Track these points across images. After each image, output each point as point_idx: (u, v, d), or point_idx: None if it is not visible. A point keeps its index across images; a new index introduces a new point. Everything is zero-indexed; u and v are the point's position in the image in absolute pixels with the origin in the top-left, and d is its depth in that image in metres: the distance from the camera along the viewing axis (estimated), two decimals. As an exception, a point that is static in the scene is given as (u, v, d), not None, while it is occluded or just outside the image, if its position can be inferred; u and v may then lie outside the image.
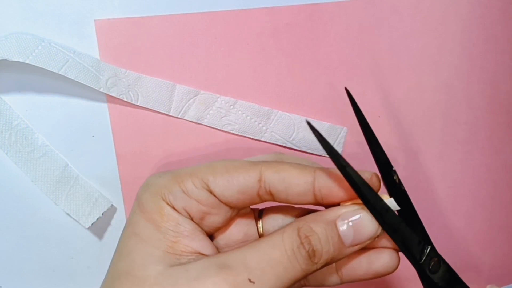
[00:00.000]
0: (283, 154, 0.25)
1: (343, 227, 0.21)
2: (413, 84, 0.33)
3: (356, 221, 0.21)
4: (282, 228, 0.22)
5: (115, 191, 0.31)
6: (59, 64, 0.28)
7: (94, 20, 0.29)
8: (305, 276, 0.21)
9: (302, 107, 0.31)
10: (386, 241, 0.23)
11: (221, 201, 0.23)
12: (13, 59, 0.27)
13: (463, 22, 0.32)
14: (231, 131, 0.31)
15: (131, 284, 0.21)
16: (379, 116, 0.33)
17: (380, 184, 0.22)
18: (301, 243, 0.21)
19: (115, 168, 0.30)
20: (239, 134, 0.31)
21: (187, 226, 0.22)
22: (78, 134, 0.30)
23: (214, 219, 0.23)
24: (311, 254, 0.21)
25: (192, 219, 0.23)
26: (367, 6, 0.31)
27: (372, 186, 0.21)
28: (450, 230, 0.36)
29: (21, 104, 0.29)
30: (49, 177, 0.29)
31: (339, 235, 0.21)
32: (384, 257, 0.23)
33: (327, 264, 0.21)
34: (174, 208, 0.22)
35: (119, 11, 0.29)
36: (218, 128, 0.31)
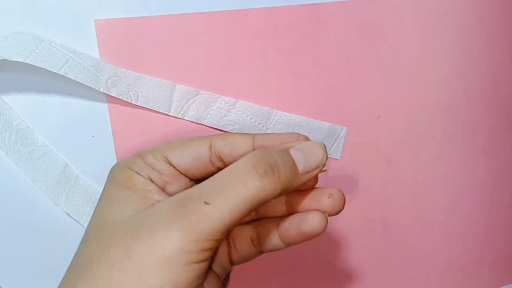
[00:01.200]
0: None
1: (295, 153, 0.24)
2: (413, 84, 0.33)
3: (306, 148, 0.24)
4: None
5: (115, 191, 0.31)
6: (59, 64, 0.28)
7: (94, 20, 0.29)
8: (264, 200, 0.22)
9: (302, 107, 0.31)
10: (314, 203, 0.25)
11: (179, 172, 0.26)
12: (13, 59, 0.27)
13: (463, 22, 0.32)
14: (231, 131, 0.31)
15: (106, 230, 0.23)
16: (379, 116, 0.33)
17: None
18: (258, 162, 0.22)
19: (115, 168, 0.30)
20: (239, 134, 0.31)
21: (154, 187, 0.25)
22: (78, 134, 0.30)
23: (175, 188, 0.26)
24: (269, 171, 0.22)
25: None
26: (367, 6, 0.31)
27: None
28: (450, 230, 0.36)
29: (21, 104, 0.29)
30: (49, 177, 0.29)
31: (293, 160, 0.23)
32: (312, 218, 0.25)
33: (285, 189, 0.22)
34: (140, 175, 0.25)
35: (119, 11, 0.29)
36: (218, 128, 0.31)
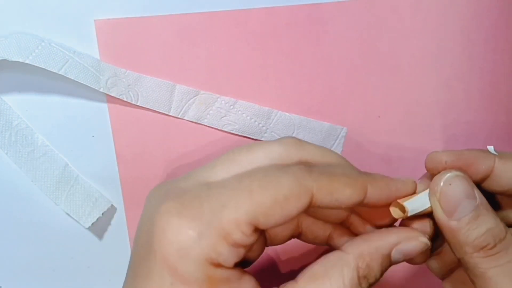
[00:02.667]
0: (301, 141, 0.23)
1: (396, 255, 0.22)
2: (413, 84, 0.33)
3: (409, 250, 0.22)
4: (339, 265, 0.21)
5: (115, 191, 0.31)
6: (59, 64, 0.28)
7: (94, 20, 0.29)
8: None
9: (302, 107, 0.31)
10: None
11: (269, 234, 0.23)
12: (13, 59, 0.27)
13: (463, 22, 0.32)
14: (231, 131, 0.31)
15: None
16: (379, 116, 0.33)
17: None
18: (360, 283, 0.21)
19: (115, 168, 0.30)
20: (239, 134, 0.31)
21: (236, 279, 0.20)
22: (78, 134, 0.30)
23: (257, 247, 0.23)
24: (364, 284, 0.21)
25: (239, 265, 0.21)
26: (367, 6, 0.31)
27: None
28: (450, 230, 0.36)
29: (21, 104, 0.29)
30: (49, 177, 0.29)
31: (391, 262, 0.22)
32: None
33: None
34: (224, 267, 0.20)
35: (119, 11, 0.29)
36: (218, 128, 0.31)
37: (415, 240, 0.22)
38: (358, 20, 0.31)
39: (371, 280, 0.21)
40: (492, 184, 0.22)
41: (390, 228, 0.23)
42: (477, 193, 0.21)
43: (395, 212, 0.22)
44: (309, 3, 0.31)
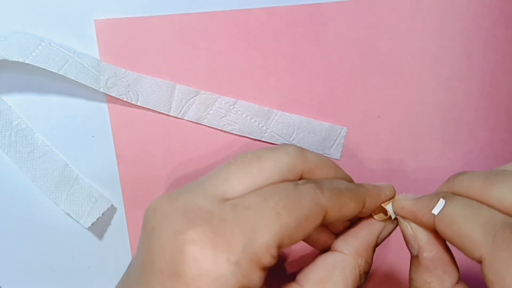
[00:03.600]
0: (303, 150, 0.24)
1: (379, 242, 0.24)
2: (413, 84, 0.33)
3: (387, 233, 0.25)
4: (341, 266, 0.22)
5: (115, 191, 0.31)
6: (59, 64, 0.28)
7: (94, 20, 0.29)
8: None
9: (302, 107, 0.31)
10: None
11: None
12: (13, 59, 0.27)
13: (463, 22, 0.32)
14: (231, 131, 0.31)
15: None
16: (379, 116, 0.33)
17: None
18: (360, 279, 0.22)
19: (115, 168, 0.30)
20: (239, 134, 0.31)
21: None
22: (78, 134, 0.30)
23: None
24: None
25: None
26: (367, 6, 0.31)
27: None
28: (450, 230, 0.36)
29: (21, 104, 0.29)
30: (49, 177, 0.29)
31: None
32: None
33: None
34: None
35: (119, 11, 0.29)
36: (218, 128, 0.31)
37: (390, 223, 0.24)
38: (358, 20, 0.31)
39: (367, 270, 0.23)
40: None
41: (370, 219, 0.25)
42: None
43: (379, 216, 0.24)
44: (309, 3, 0.31)
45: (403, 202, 0.23)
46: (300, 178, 0.23)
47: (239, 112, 0.31)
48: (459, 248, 0.20)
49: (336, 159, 0.32)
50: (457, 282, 0.22)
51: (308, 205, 0.21)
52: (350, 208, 0.22)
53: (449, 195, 0.22)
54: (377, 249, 0.24)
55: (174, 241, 0.19)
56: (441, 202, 0.21)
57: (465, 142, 0.34)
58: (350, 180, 0.25)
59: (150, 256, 0.20)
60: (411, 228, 0.23)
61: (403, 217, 0.24)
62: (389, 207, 0.24)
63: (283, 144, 0.24)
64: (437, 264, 0.22)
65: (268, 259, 0.20)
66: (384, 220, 0.24)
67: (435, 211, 0.21)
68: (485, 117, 0.34)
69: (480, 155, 0.35)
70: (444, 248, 0.23)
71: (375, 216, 0.24)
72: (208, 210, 0.20)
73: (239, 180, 0.21)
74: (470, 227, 0.20)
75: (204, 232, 0.19)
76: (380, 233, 0.24)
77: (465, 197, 0.21)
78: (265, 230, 0.19)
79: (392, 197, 0.24)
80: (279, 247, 0.20)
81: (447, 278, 0.22)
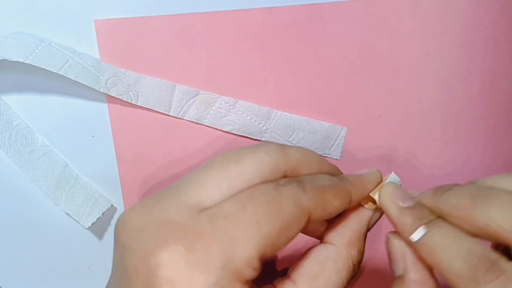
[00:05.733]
0: (284, 147, 0.23)
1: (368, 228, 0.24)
2: (413, 84, 0.33)
3: (375, 220, 0.24)
4: (333, 259, 0.22)
5: (115, 191, 0.31)
6: (59, 64, 0.28)
7: (94, 20, 0.29)
8: None
9: (302, 107, 0.31)
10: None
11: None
12: (13, 59, 0.27)
13: (463, 22, 0.32)
14: (231, 131, 0.31)
15: None
16: (379, 116, 0.33)
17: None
18: (354, 270, 0.22)
19: (115, 168, 0.30)
20: (239, 134, 0.31)
21: None
22: (78, 134, 0.30)
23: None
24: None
25: None
26: (367, 6, 0.31)
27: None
28: (450, 230, 0.36)
29: (21, 104, 0.29)
30: (49, 177, 0.29)
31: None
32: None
33: None
34: None
35: (119, 11, 0.29)
36: (218, 128, 0.31)
37: (380, 210, 0.24)
38: (358, 20, 0.31)
39: (360, 259, 0.22)
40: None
41: (359, 208, 0.24)
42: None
43: (368, 205, 0.24)
44: (309, 3, 0.31)
45: (389, 209, 0.23)
46: (284, 176, 0.22)
47: (239, 112, 0.31)
48: (440, 275, 0.21)
49: (336, 159, 0.32)
50: None
51: (290, 209, 0.19)
52: (335, 206, 0.21)
53: (432, 221, 0.21)
54: (368, 237, 0.24)
55: (147, 263, 0.18)
56: (422, 229, 0.21)
57: (465, 142, 0.34)
58: (337, 172, 0.24)
59: (126, 275, 0.19)
60: (399, 247, 0.22)
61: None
62: (377, 196, 0.24)
63: (264, 143, 0.23)
64: (422, 286, 0.22)
65: (250, 273, 0.19)
66: (374, 209, 0.24)
67: (415, 237, 0.21)
68: (485, 117, 0.34)
69: (480, 155, 0.35)
70: (430, 271, 0.22)
71: (365, 206, 0.24)
72: (182, 224, 0.19)
73: (217, 185, 0.20)
74: (450, 259, 0.20)
75: (178, 252, 0.18)
76: (370, 218, 0.24)
77: (449, 221, 0.21)
78: (244, 243, 0.18)
79: (380, 183, 0.24)
80: (261, 258, 0.19)
81: None
